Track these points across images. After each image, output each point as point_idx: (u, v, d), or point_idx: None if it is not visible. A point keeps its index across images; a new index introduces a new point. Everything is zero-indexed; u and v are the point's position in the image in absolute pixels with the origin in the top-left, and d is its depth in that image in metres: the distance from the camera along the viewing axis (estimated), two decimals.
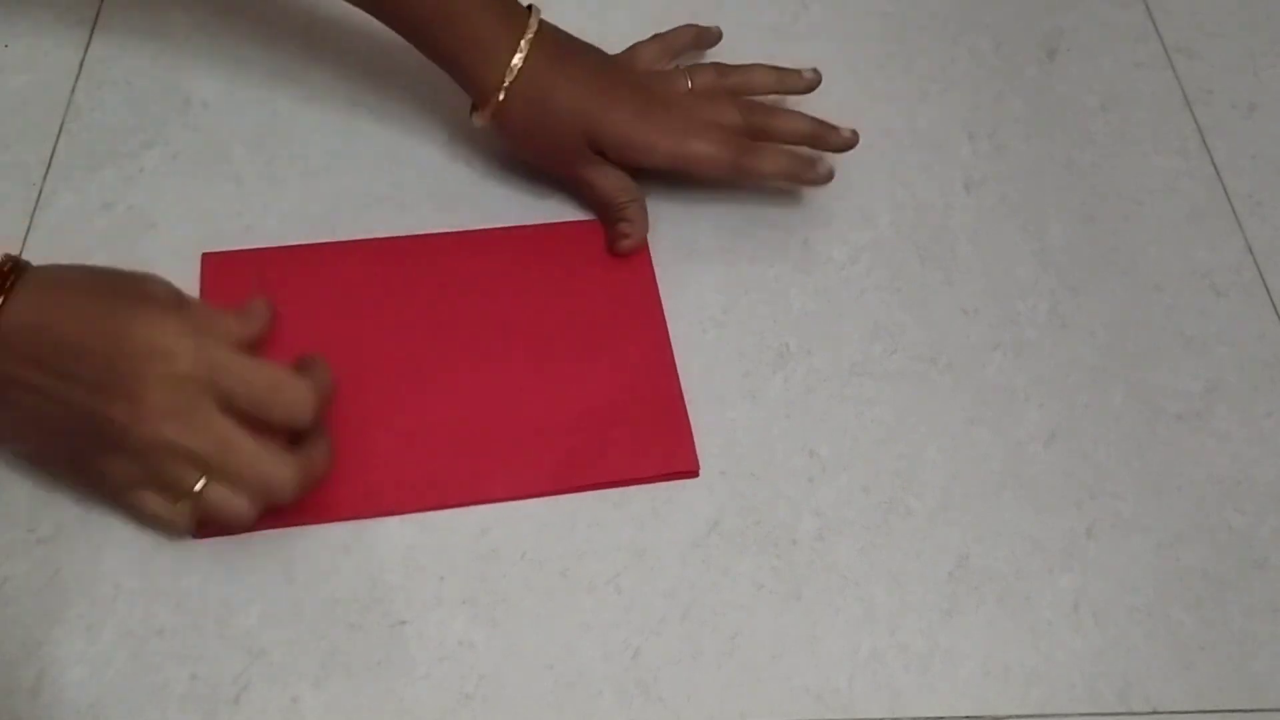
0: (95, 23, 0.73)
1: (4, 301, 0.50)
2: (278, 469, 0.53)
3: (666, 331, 0.64)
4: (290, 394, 0.54)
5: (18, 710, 0.52)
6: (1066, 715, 0.55)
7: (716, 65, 0.70)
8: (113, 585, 0.55)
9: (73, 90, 0.71)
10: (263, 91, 0.71)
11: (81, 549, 0.56)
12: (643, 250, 0.67)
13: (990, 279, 0.68)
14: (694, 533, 0.59)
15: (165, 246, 0.66)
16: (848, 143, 0.68)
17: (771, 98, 0.70)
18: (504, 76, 0.62)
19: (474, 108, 0.64)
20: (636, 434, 0.61)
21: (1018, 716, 0.55)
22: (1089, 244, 0.70)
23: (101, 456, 0.53)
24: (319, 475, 0.56)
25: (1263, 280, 0.69)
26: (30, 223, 0.66)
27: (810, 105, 0.74)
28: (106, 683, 0.53)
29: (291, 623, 0.55)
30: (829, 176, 0.67)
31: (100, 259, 0.64)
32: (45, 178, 0.68)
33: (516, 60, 0.62)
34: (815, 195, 0.70)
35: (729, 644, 0.56)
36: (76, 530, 0.56)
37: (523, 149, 0.67)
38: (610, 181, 0.66)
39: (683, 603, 0.57)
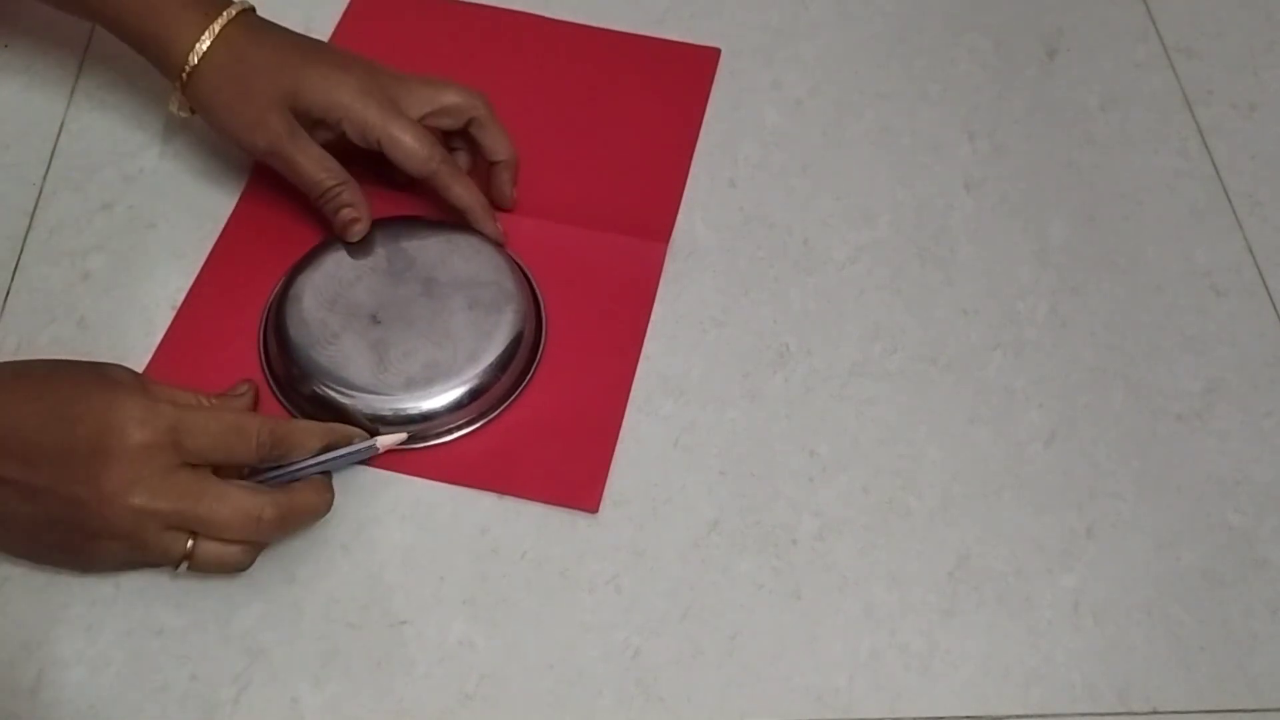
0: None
1: None
2: (253, 500, 0.52)
3: (637, 355, 0.64)
4: (250, 433, 0.53)
5: (18, 710, 0.52)
6: (1066, 715, 0.55)
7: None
8: (113, 585, 0.55)
9: (73, 90, 0.71)
10: None
11: None
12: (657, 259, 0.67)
13: (990, 279, 0.68)
14: (694, 533, 0.58)
15: (165, 246, 0.66)
16: (492, 234, 0.65)
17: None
18: (192, 52, 0.60)
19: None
20: (559, 456, 0.60)
21: (1018, 716, 0.55)
22: (1089, 244, 0.70)
23: (88, 543, 0.52)
24: (305, 503, 0.55)
25: (1263, 280, 0.69)
26: (30, 223, 0.66)
27: (811, 105, 0.74)
28: (106, 683, 0.53)
29: (291, 622, 0.55)
30: (496, 238, 0.65)
31: (100, 259, 0.65)
32: (45, 178, 0.68)
33: (205, 38, 0.60)
34: (815, 195, 0.70)
35: (729, 644, 0.56)
36: None
37: (222, 122, 0.62)
38: (314, 159, 0.62)
39: (683, 603, 0.57)
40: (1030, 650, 0.56)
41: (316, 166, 0.62)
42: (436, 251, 0.63)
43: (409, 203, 0.66)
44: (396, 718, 0.53)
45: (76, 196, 0.67)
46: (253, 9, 0.63)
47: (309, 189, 0.63)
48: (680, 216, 0.69)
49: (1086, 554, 0.59)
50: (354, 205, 0.63)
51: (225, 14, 0.61)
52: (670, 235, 0.67)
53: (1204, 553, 0.60)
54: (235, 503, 0.52)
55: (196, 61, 0.61)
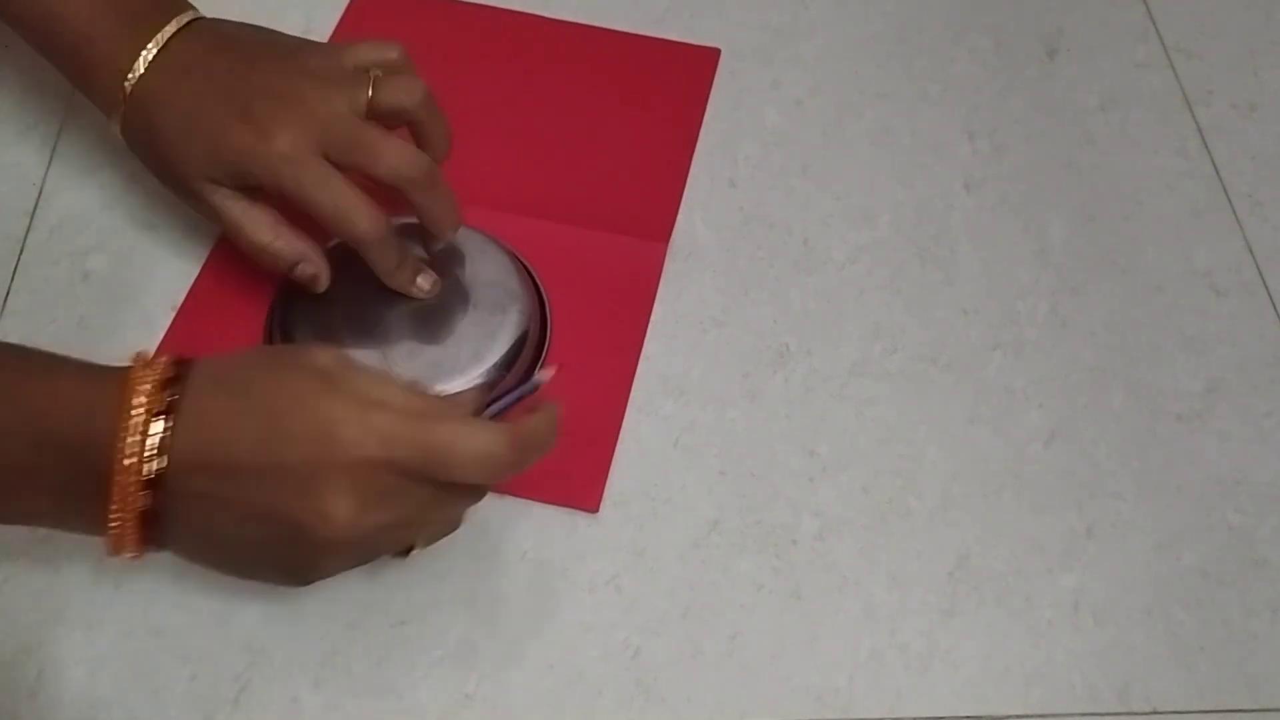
0: None
1: (175, 424, 0.46)
2: (467, 503, 0.52)
3: (638, 355, 0.63)
4: (470, 449, 0.48)
5: (18, 710, 0.52)
6: (1066, 715, 0.55)
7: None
8: (113, 585, 0.55)
9: (73, 89, 0.71)
10: None
11: (81, 549, 0.56)
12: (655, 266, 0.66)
13: (990, 279, 0.68)
14: (694, 533, 0.58)
15: (165, 246, 0.66)
16: (441, 228, 0.59)
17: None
18: (123, 90, 0.57)
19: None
20: (559, 456, 0.57)
21: (1018, 716, 0.55)
22: (1089, 244, 0.70)
23: (314, 560, 0.48)
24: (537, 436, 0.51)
25: (1263, 280, 0.69)
26: (30, 222, 0.66)
27: (811, 105, 0.74)
28: (106, 683, 0.53)
29: (291, 623, 0.55)
30: (428, 289, 0.60)
31: (99, 260, 0.65)
32: (45, 178, 0.68)
33: (131, 77, 0.57)
34: (815, 195, 0.70)
35: (729, 644, 0.56)
36: None
37: (151, 166, 0.60)
38: (238, 216, 0.58)
39: (683, 603, 0.57)
40: (1030, 650, 0.56)
41: (249, 232, 0.58)
42: (442, 250, 0.63)
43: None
44: (396, 718, 0.53)
45: (76, 196, 0.67)
46: (188, 25, 0.58)
47: (252, 258, 0.59)
48: (680, 216, 0.69)
49: (1086, 554, 0.59)
50: (305, 260, 0.59)
51: (155, 40, 0.56)
52: (670, 235, 0.67)
53: (1204, 553, 0.60)
54: (458, 510, 0.53)
55: (118, 132, 0.59)
